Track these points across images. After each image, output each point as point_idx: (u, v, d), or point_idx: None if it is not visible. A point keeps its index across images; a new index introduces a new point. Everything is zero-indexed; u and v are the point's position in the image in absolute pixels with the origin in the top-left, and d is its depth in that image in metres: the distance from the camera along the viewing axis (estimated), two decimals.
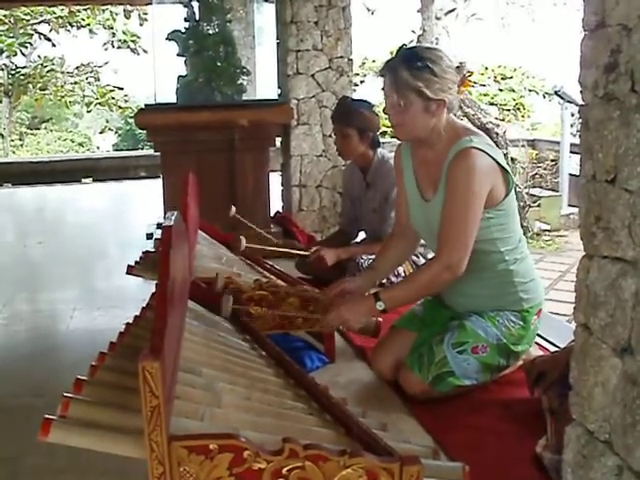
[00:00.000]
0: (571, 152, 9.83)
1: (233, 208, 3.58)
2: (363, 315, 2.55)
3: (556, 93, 11.07)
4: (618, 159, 1.26)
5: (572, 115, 11.70)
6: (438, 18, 13.23)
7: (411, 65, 2.41)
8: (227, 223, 3.77)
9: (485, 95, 14.93)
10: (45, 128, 21.70)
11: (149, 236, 5.58)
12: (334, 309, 2.52)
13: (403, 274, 3.88)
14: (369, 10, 15.26)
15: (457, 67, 2.50)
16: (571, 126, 11.66)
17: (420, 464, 1.40)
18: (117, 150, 20.31)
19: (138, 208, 8.02)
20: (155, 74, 5.58)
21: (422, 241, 3.95)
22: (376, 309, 2.49)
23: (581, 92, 1.37)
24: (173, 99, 5.41)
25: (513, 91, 16.07)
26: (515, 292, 2.66)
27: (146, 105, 5.34)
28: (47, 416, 1.44)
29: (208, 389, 1.71)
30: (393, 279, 3.86)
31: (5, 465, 2.24)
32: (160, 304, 1.44)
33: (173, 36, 5.31)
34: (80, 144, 20.63)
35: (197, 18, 5.33)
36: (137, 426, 1.40)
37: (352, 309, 2.52)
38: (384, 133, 11.86)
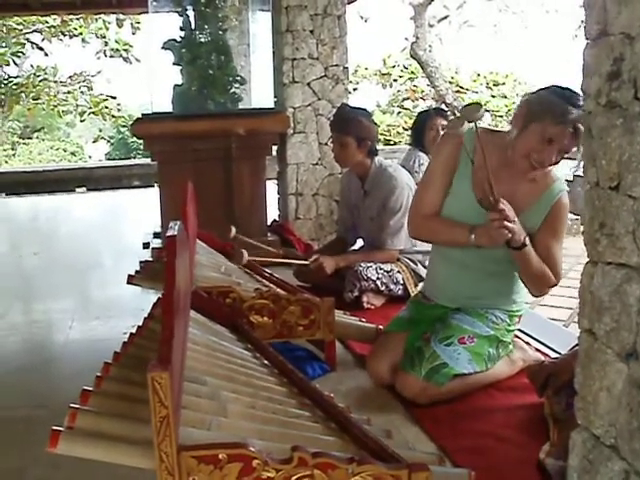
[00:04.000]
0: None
1: (233, 229, 3.55)
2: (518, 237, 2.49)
3: None
4: (622, 166, 1.27)
5: None
6: (431, 25, 13.27)
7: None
8: (225, 232, 3.77)
9: None
10: (37, 137, 21.65)
11: (146, 245, 5.56)
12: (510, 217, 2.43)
13: (402, 281, 3.89)
14: (363, 18, 15.29)
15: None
16: None
17: (428, 470, 1.41)
18: (110, 159, 20.27)
19: (133, 217, 8.01)
20: (151, 83, 5.59)
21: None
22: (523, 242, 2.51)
23: (584, 100, 1.38)
24: (168, 108, 5.41)
25: (505, 97, 16.15)
26: (510, 293, 2.76)
27: (143, 114, 5.34)
28: (55, 427, 1.44)
29: (213, 398, 1.71)
30: (392, 286, 3.87)
31: (10, 476, 2.23)
32: (167, 314, 1.44)
33: (169, 45, 5.31)
34: (72, 153, 20.58)
35: (192, 27, 5.34)
36: (145, 436, 1.41)
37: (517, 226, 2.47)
38: (379, 141, 11.89)
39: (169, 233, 1.72)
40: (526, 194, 2.60)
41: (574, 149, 2.46)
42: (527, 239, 2.52)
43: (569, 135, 2.42)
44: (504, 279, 2.73)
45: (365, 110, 4.15)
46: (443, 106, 10.85)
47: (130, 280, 3.02)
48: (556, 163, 2.52)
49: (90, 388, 1.64)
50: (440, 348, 2.59)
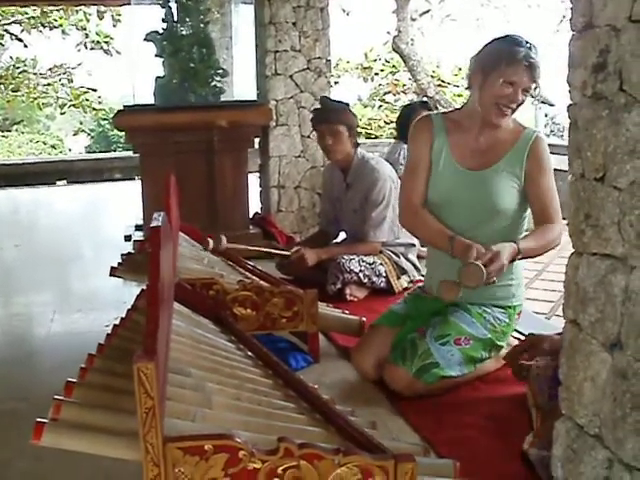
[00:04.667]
0: None
1: (211, 241, 3.50)
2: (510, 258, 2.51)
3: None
4: (607, 157, 1.28)
5: (546, 115, 11.85)
6: (413, 19, 13.26)
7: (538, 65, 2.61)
8: (206, 225, 3.75)
9: (459, 96, 15.01)
10: (16, 130, 21.43)
11: (127, 238, 5.53)
12: (494, 256, 2.43)
13: (384, 274, 3.90)
14: (344, 11, 15.25)
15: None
16: (545, 126, 11.79)
17: (414, 461, 1.41)
18: (90, 152, 20.11)
19: (114, 210, 7.96)
20: (132, 75, 5.55)
21: (399, 239, 4.04)
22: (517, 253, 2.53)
23: (569, 92, 1.39)
24: (150, 100, 5.37)
25: None
26: (509, 286, 2.74)
27: (125, 106, 5.30)
28: (39, 419, 1.43)
29: (198, 390, 1.71)
30: (374, 279, 3.88)
31: None
32: (152, 305, 1.44)
33: (150, 37, 5.28)
34: (52, 146, 20.38)
35: (174, 19, 5.31)
36: (129, 428, 1.40)
37: (505, 255, 2.48)
38: (360, 134, 11.87)
39: (153, 224, 1.71)
40: (503, 143, 2.72)
41: (533, 86, 2.62)
42: (515, 245, 2.52)
43: (525, 71, 2.57)
44: (507, 271, 2.63)
45: (345, 102, 4.18)
46: (425, 99, 10.85)
47: (113, 272, 3.01)
48: (522, 103, 2.66)
49: (74, 380, 1.63)
50: (435, 346, 2.59)
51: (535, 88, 2.64)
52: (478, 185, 2.70)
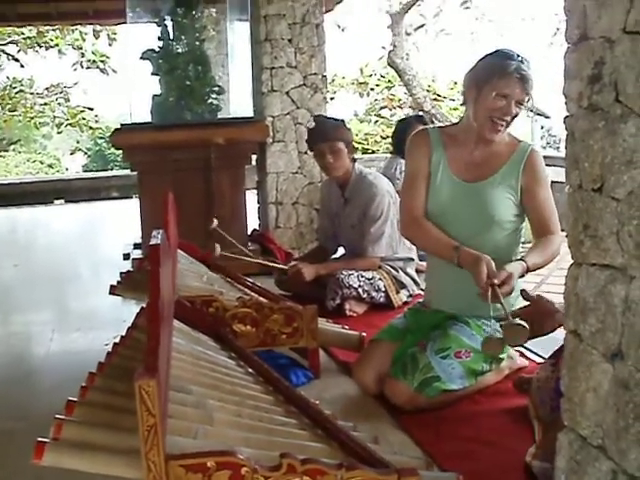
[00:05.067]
0: None
1: (215, 221, 3.56)
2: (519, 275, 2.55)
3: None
4: (604, 168, 1.28)
5: (542, 127, 11.91)
6: (408, 34, 13.34)
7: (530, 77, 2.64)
8: (205, 242, 3.76)
9: (455, 109, 15.07)
10: (14, 150, 21.48)
11: (126, 256, 5.53)
12: (507, 278, 2.46)
13: (383, 288, 3.90)
14: (340, 27, 15.36)
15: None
16: (541, 138, 11.84)
17: (417, 475, 1.40)
18: (87, 171, 20.15)
19: (112, 229, 7.97)
20: (129, 93, 5.57)
21: (397, 254, 4.04)
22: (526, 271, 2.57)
23: (566, 103, 1.39)
24: (147, 118, 5.38)
25: None
26: (508, 298, 2.70)
27: (122, 125, 5.31)
28: (40, 439, 1.42)
29: (199, 407, 1.70)
30: (373, 294, 3.88)
31: None
32: (152, 322, 1.43)
33: (147, 55, 5.30)
34: (49, 165, 20.43)
35: (170, 37, 5.33)
36: (131, 446, 1.40)
37: (517, 277, 2.52)
38: (356, 149, 11.86)
39: (152, 242, 1.71)
40: (498, 157, 2.76)
41: (526, 98, 2.65)
42: (524, 264, 2.54)
43: (517, 83, 2.61)
44: None
45: (338, 119, 4.20)
46: (420, 114, 10.90)
47: (112, 290, 3.01)
48: (516, 115, 2.69)
49: (75, 399, 1.62)
50: (435, 360, 2.58)
51: (528, 100, 2.68)
52: (474, 197, 2.73)
